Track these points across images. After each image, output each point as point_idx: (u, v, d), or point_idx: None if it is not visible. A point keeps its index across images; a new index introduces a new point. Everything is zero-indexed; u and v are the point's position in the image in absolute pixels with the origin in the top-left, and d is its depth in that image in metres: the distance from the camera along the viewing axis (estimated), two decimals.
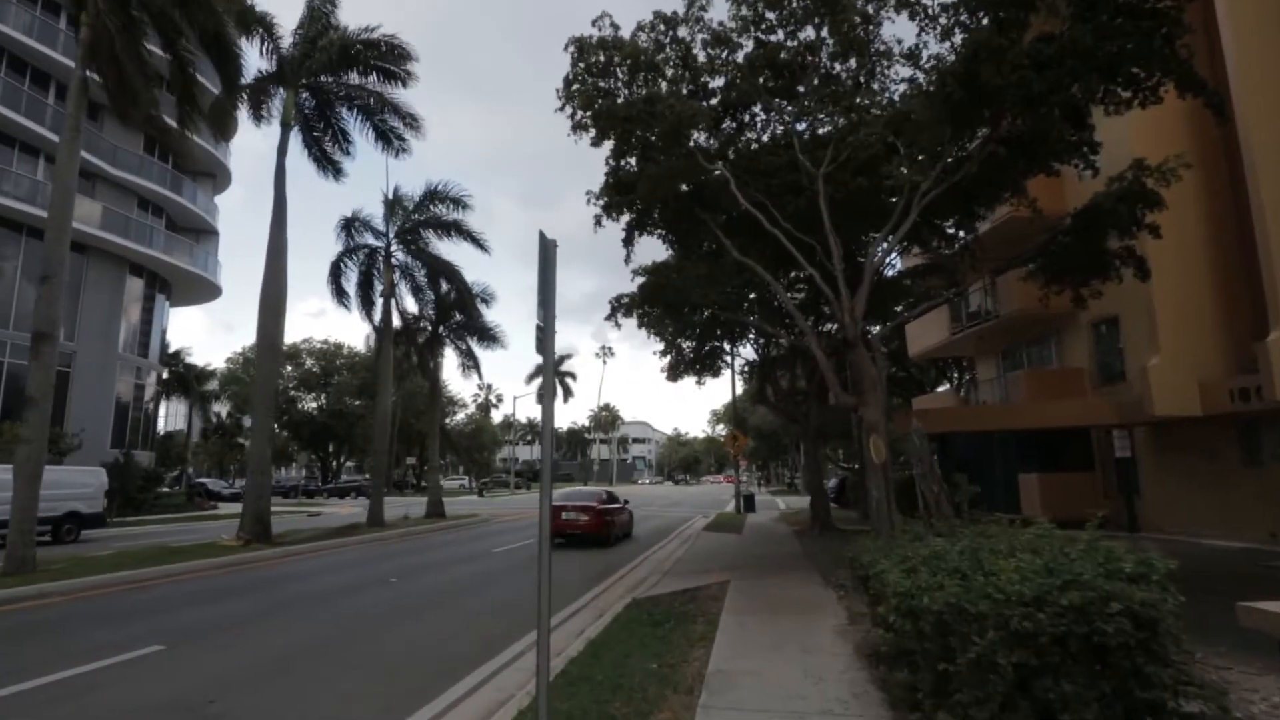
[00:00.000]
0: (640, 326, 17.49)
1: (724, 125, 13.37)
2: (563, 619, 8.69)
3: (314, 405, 56.01)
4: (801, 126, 13.32)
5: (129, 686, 5.93)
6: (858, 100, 12.54)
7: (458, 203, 24.82)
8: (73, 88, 12.49)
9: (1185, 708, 3.19)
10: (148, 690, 5.83)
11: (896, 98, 12.49)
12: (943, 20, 10.77)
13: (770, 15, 11.87)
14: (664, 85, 12.51)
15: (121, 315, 29.17)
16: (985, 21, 10.38)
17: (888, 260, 16.25)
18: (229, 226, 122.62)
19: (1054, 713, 3.14)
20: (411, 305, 28.29)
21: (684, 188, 13.47)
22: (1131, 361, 17.24)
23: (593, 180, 14.14)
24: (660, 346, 19.38)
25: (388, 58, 19.35)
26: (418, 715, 5.24)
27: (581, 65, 12.25)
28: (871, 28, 11.96)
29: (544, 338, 3.58)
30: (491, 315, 29.62)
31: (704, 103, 12.62)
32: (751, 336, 21.20)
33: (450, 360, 43.32)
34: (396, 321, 26.27)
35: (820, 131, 13.28)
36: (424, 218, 25.06)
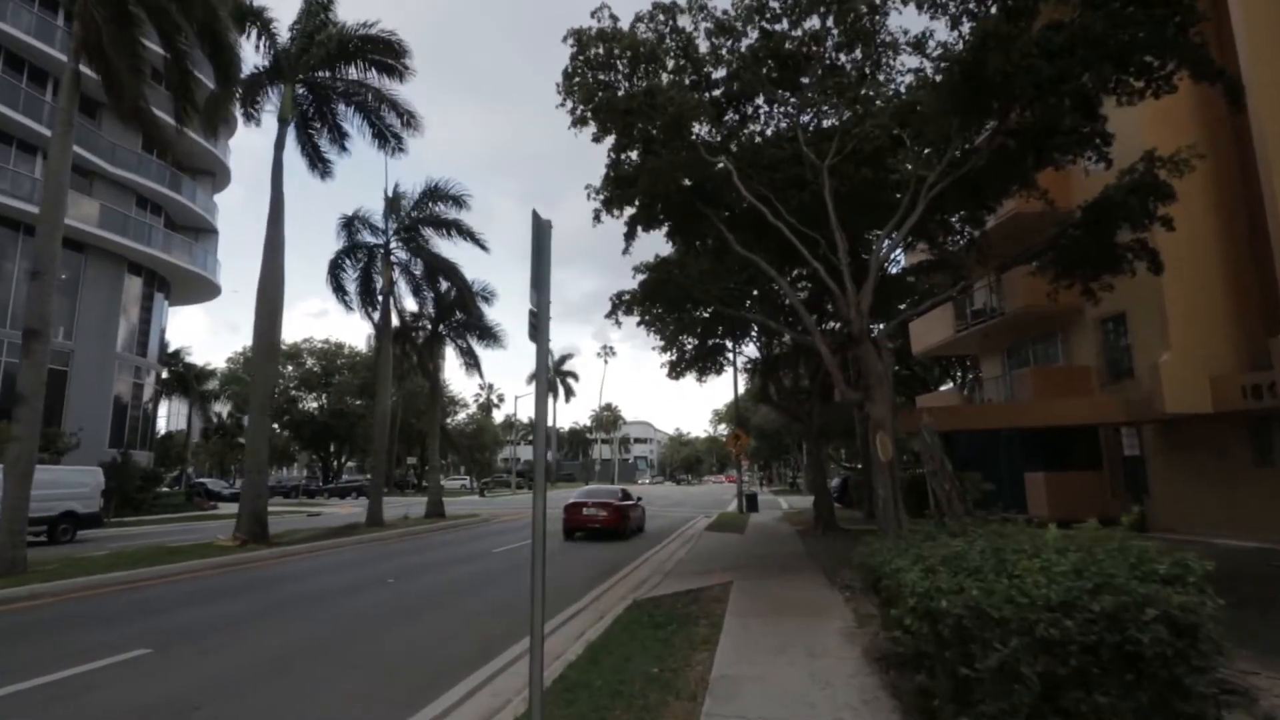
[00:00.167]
0: (640, 324, 17.31)
1: (726, 117, 13.15)
2: (563, 620, 8.50)
3: (315, 405, 55.87)
4: (806, 119, 13.09)
5: (113, 691, 5.73)
6: (863, 92, 12.31)
7: (457, 201, 24.65)
8: (65, 81, 12.31)
9: (1227, 719, 2.97)
10: (132, 695, 5.64)
11: (903, 89, 12.26)
12: (951, 8, 10.53)
13: (774, 4, 11.65)
14: (665, 77, 12.28)
15: (120, 314, 29.02)
16: (994, 10, 10.16)
17: (892, 256, 16.03)
18: (230, 227, 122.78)
19: None
20: (411, 304, 28.18)
21: (686, 182, 13.25)
22: (1140, 358, 16.99)
23: (594, 178, 13.87)
24: (661, 344, 19.18)
25: (385, 52, 19.16)
26: None
27: (581, 59, 12.02)
28: (878, 18, 11.73)
29: (538, 323, 3.38)
30: (492, 315, 29.44)
31: (706, 94, 12.40)
32: (754, 334, 20.99)
33: (451, 360, 43.06)
34: (396, 320, 26.11)
35: (825, 124, 13.06)
36: (423, 215, 24.87)
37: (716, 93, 12.69)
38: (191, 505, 32.25)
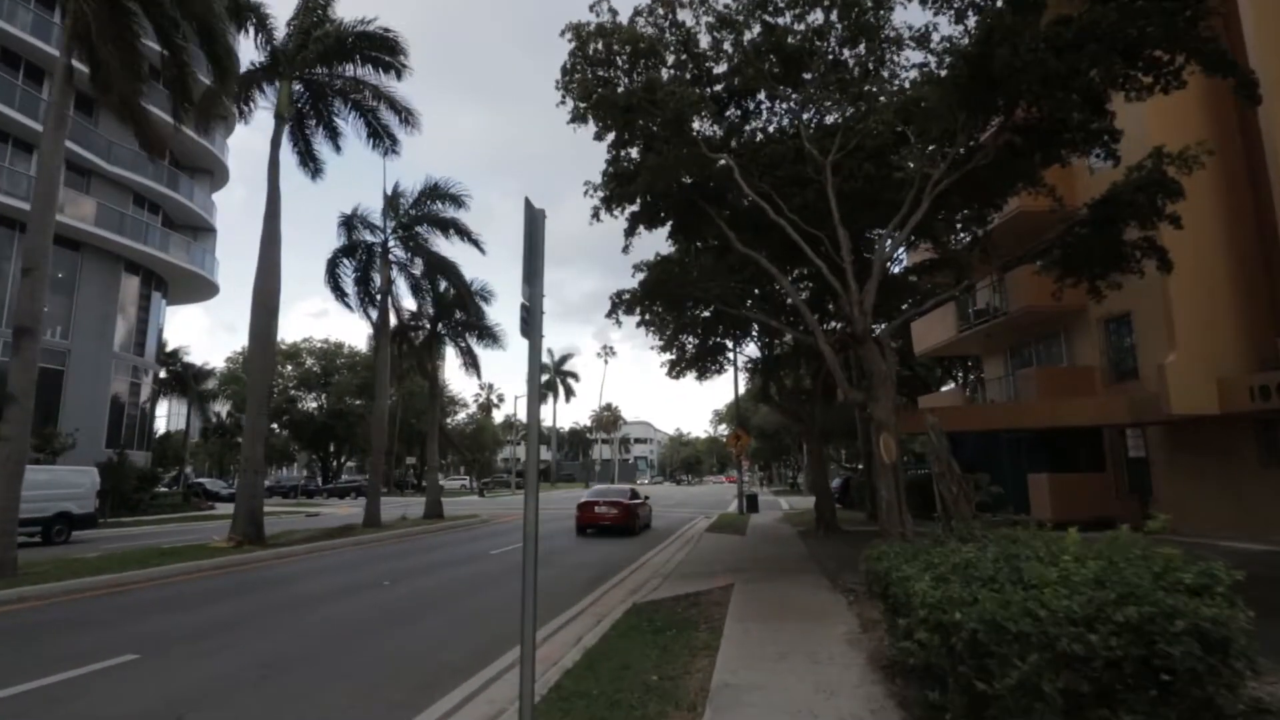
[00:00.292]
0: (640, 324, 17.12)
1: (728, 113, 12.97)
2: (559, 625, 8.33)
3: (314, 405, 55.70)
4: (808, 115, 12.91)
5: (97, 698, 5.57)
6: (866, 88, 12.14)
7: (456, 200, 24.48)
8: (57, 75, 12.14)
9: None
10: (116, 703, 5.47)
11: (907, 85, 12.08)
12: (956, 2, 10.36)
13: None
14: (665, 73, 12.11)
15: (117, 313, 28.81)
16: (1000, 3, 9.99)
17: (895, 255, 15.86)
18: (231, 227, 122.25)
19: None
20: (410, 303, 27.99)
21: (687, 180, 13.08)
22: (1145, 359, 16.82)
23: (595, 177, 13.68)
24: (661, 344, 19.01)
25: (382, 49, 18.99)
26: None
27: (580, 55, 11.85)
28: (882, 12, 11.55)
29: (530, 319, 3.20)
30: (492, 315, 29.22)
31: (707, 90, 12.22)
32: (755, 333, 20.82)
33: (451, 360, 42.88)
34: (394, 320, 25.92)
35: (827, 120, 12.89)
36: (422, 214, 24.70)
37: (718, 88, 12.52)
38: (189, 505, 32.06)
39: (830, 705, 4.91)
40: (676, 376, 20.72)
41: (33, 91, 25.52)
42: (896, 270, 19.30)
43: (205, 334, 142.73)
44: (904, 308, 16.86)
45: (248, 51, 19.02)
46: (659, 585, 10.77)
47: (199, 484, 41.16)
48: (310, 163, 20.04)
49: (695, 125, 12.20)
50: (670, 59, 12.03)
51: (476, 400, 77.18)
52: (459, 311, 28.21)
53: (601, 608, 9.31)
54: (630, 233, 14.34)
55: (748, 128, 13.40)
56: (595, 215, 13.56)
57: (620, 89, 11.83)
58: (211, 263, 33.92)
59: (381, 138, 20.00)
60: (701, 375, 21.31)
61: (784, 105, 13.07)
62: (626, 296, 15.41)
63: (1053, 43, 9.34)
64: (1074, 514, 15.91)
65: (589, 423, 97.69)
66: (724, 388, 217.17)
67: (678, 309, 15.94)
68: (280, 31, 18.40)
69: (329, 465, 60.45)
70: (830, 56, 12.11)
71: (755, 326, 19.08)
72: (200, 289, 34.72)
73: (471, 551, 15.97)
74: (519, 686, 3.25)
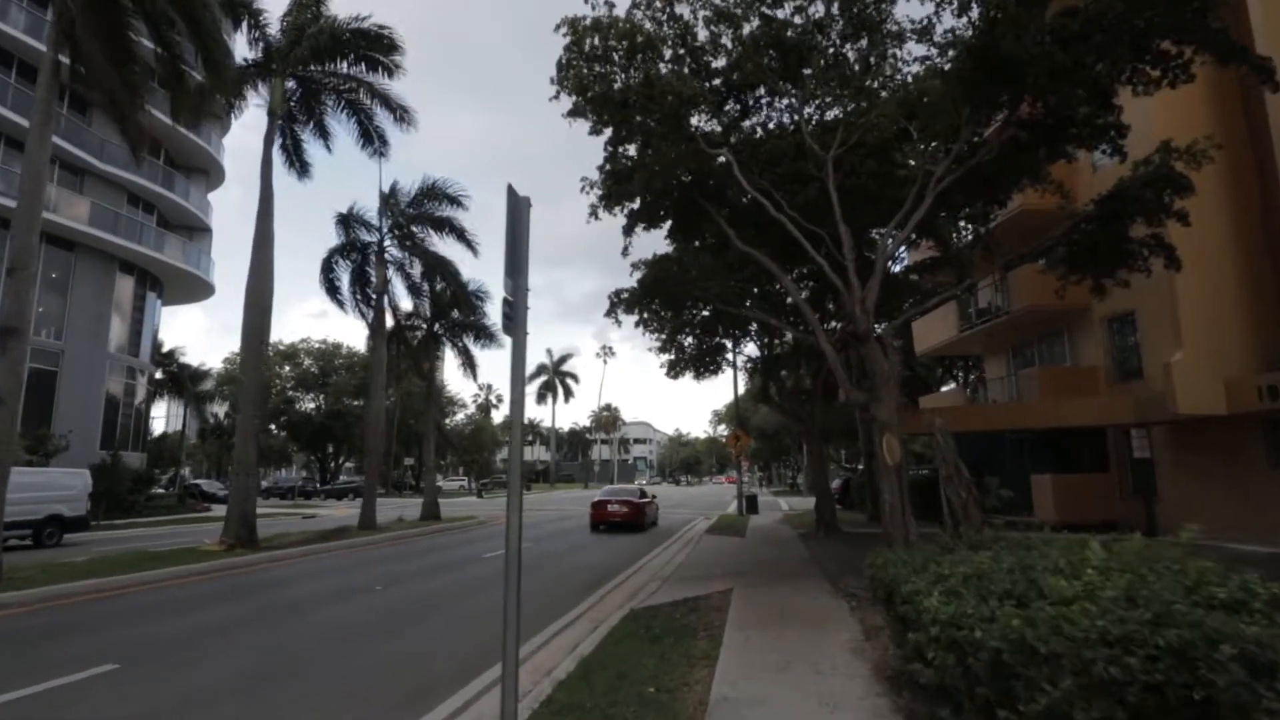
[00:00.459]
0: (638, 324, 16.89)
1: (727, 107, 12.74)
2: (555, 631, 8.11)
3: (312, 406, 55.41)
4: (809, 111, 12.69)
5: (68, 712, 5.34)
6: (868, 83, 11.91)
7: (454, 201, 24.24)
8: (43, 70, 11.91)
9: None
10: (88, 717, 5.25)
11: (909, 79, 11.86)
12: None
13: None
14: (663, 68, 11.87)
15: (111, 314, 28.56)
16: None
17: (897, 254, 15.63)
18: (228, 228, 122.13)
19: None
20: (407, 303, 27.75)
21: (685, 177, 12.85)
22: (1150, 358, 16.59)
23: (594, 174, 13.44)
24: (660, 344, 18.76)
25: (377, 47, 18.78)
26: None
27: (576, 50, 11.61)
28: (884, 5, 11.32)
29: (514, 313, 2.97)
30: (491, 315, 28.91)
31: (706, 84, 11.98)
32: (754, 332, 20.59)
33: (451, 360, 42.62)
34: (391, 320, 25.67)
35: (828, 116, 12.66)
36: (419, 213, 24.45)
37: (716, 82, 12.28)
38: (185, 507, 31.83)
39: None
40: (675, 377, 20.51)
41: (26, 90, 25.26)
42: (898, 269, 19.10)
43: (205, 335, 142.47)
44: (905, 307, 16.64)
45: (240, 48, 18.84)
46: (657, 589, 10.55)
47: (196, 485, 40.93)
48: (297, 162, 19.80)
49: (694, 120, 11.98)
50: (668, 54, 11.80)
51: (475, 401, 76.95)
52: (456, 311, 27.99)
53: (599, 613, 9.08)
54: (629, 232, 14.12)
55: (747, 123, 13.18)
56: (593, 213, 13.33)
57: (617, 84, 11.60)
58: (207, 263, 33.67)
59: (372, 138, 19.80)
60: (700, 375, 21.09)
61: (784, 101, 12.83)
62: (625, 295, 15.18)
63: (1059, 35, 9.13)
64: (1078, 515, 15.72)
65: (588, 423, 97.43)
66: (723, 388, 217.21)
67: (677, 308, 15.71)
68: (273, 27, 18.20)
69: (327, 466, 60.18)
70: (831, 51, 11.89)
71: (754, 326, 18.86)
72: (196, 289, 34.47)
73: (467, 554, 15.74)
74: (520, 682, 3.01)
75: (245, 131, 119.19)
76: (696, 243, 15.44)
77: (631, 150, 12.78)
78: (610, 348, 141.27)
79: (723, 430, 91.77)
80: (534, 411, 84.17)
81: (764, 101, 12.98)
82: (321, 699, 5.71)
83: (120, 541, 18.29)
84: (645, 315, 15.76)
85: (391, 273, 24.66)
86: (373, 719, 5.27)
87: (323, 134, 19.73)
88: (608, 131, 12.46)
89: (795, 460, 63.82)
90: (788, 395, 22.78)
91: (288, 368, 55.13)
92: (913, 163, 11.76)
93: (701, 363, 20.54)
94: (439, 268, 25.15)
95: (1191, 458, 16.19)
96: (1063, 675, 2.54)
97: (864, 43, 11.89)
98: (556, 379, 79.38)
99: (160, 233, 30.74)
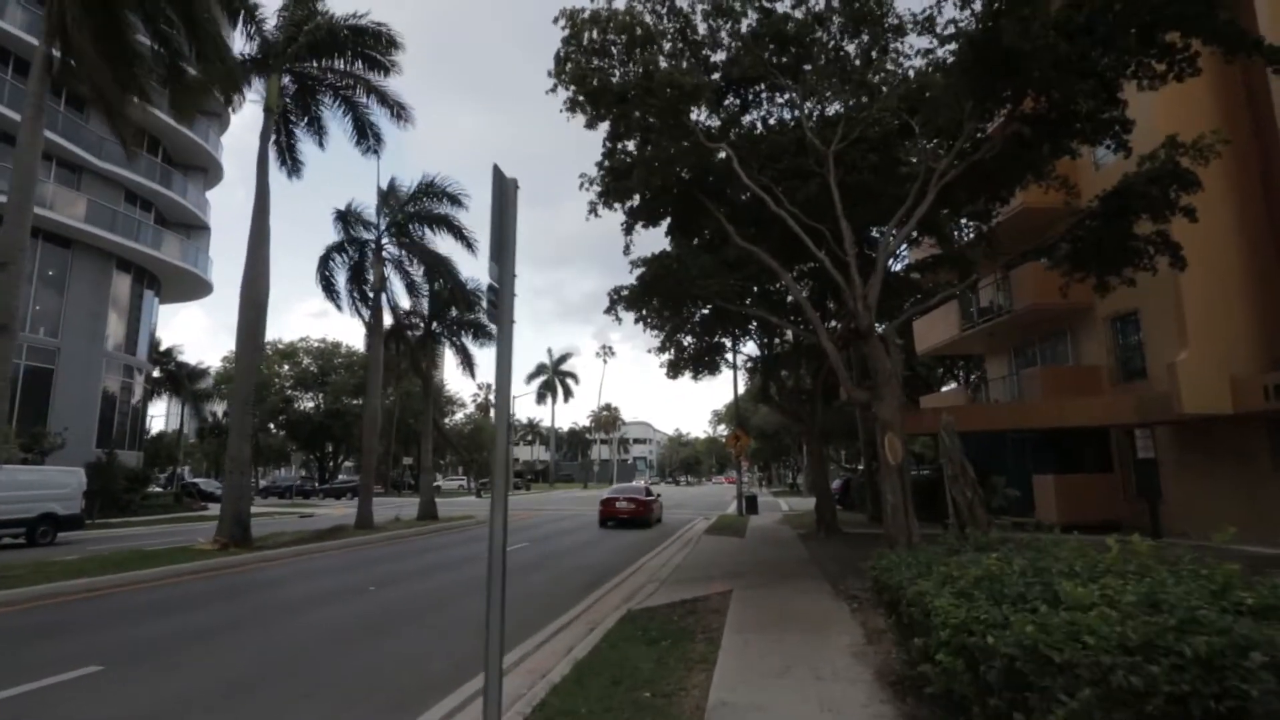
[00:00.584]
0: (638, 321, 16.73)
1: (726, 102, 12.58)
2: (552, 632, 7.97)
3: (311, 405, 55.26)
4: (809, 105, 12.53)
5: (45, 717, 5.18)
6: (869, 77, 11.75)
7: (454, 200, 24.08)
8: (35, 63, 11.75)
9: None
10: None
11: (911, 73, 11.70)
12: None
13: None
14: (662, 62, 11.71)
15: (108, 311, 28.41)
16: None
17: (898, 251, 15.47)
18: (228, 227, 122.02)
19: None
20: (405, 301, 27.58)
21: (685, 174, 12.70)
22: (1154, 357, 16.43)
23: (592, 171, 13.29)
24: (659, 343, 18.60)
25: (375, 44, 18.61)
26: None
27: (574, 43, 11.45)
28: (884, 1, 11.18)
29: (498, 300, 2.82)
30: None
31: (705, 78, 11.83)
32: (754, 330, 20.43)
33: (450, 360, 42.49)
34: (389, 318, 25.51)
35: (829, 111, 12.51)
36: (416, 210, 24.29)
37: (715, 76, 12.13)
38: (181, 506, 31.71)
39: None
40: (675, 376, 20.35)
41: (22, 86, 25.13)
42: (899, 268, 18.93)
43: (205, 334, 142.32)
44: (907, 306, 16.48)
45: (237, 44, 18.65)
46: (655, 590, 10.39)
47: (193, 484, 40.83)
48: (289, 159, 19.63)
49: (693, 115, 11.82)
50: (667, 48, 11.64)
51: (474, 400, 76.82)
52: (454, 310, 27.83)
53: (595, 614, 8.93)
54: (629, 230, 13.98)
55: (747, 119, 13.03)
56: (592, 210, 13.18)
57: (615, 78, 11.44)
58: (205, 261, 33.52)
59: (367, 135, 19.62)
60: (699, 375, 20.93)
61: (784, 95, 12.67)
62: (625, 293, 15.02)
63: (1063, 27, 8.98)
64: (1081, 516, 15.54)
65: (588, 423, 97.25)
66: (723, 388, 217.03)
67: (676, 306, 15.55)
68: (270, 23, 18.06)
69: (326, 465, 60.02)
70: (831, 45, 11.73)
71: (754, 324, 18.69)
72: (194, 288, 34.32)
73: (463, 555, 15.58)
74: (515, 685, 2.86)
75: (246, 130, 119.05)
76: (696, 240, 15.29)
77: (630, 146, 12.64)
78: (610, 347, 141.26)
79: (722, 430, 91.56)
80: (534, 411, 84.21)
81: (764, 96, 12.84)
82: (313, 703, 5.56)
83: (114, 540, 18.14)
84: (645, 313, 15.61)
85: (389, 271, 24.50)
86: None
87: (318, 131, 19.56)
88: (605, 125, 12.31)
89: (795, 460, 63.63)
90: (788, 395, 22.62)
91: (287, 367, 54.99)
92: (915, 159, 11.59)
93: (701, 362, 20.37)
94: (438, 266, 24.97)
95: (1196, 458, 16.03)
96: (1080, 685, 2.39)
97: (865, 36, 11.73)
98: (556, 378, 79.22)
99: (158, 230, 30.59)
